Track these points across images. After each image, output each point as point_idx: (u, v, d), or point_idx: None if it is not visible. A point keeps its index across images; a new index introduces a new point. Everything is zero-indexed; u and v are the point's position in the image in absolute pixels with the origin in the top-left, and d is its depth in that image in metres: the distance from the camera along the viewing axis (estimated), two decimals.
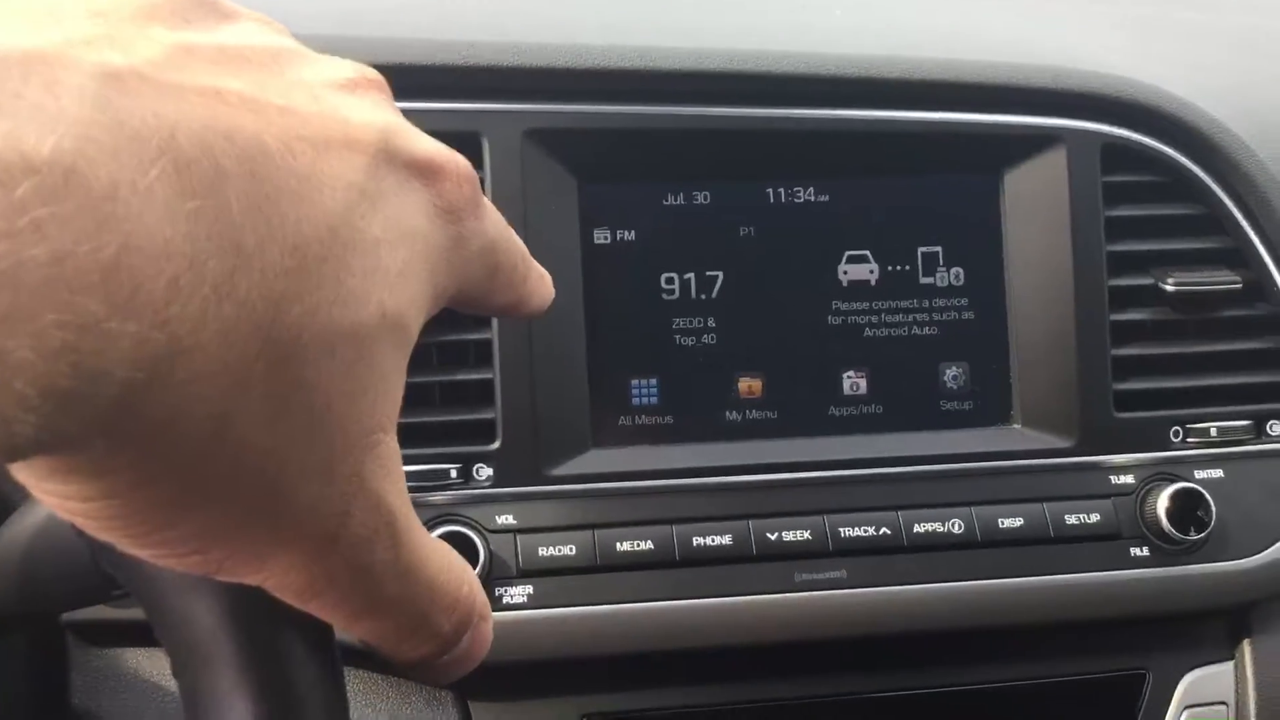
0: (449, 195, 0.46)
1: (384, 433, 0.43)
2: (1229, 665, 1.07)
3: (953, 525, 1.00)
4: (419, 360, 0.95)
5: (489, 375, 0.96)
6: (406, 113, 0.91)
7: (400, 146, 0.44)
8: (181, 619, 0.50)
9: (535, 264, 0.58)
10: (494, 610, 0.92)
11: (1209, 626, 1.07)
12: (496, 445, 0.96)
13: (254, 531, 0.40)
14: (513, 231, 0.54)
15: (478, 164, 0.96)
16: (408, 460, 0.93)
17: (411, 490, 0.92)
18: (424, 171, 0.45)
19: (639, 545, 0.96)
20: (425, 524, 0.91)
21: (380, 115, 0.44)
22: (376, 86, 0.47)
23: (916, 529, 0.99)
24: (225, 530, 0.39)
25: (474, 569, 0.89)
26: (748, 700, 1.00)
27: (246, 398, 0.37)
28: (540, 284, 0.58)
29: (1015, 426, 1.05)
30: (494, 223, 0.51)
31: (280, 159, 0.37)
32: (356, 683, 0.95)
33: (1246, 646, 1.07)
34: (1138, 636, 1.05)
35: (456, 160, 0.47)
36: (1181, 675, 1.06)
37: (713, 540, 0.97)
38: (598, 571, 0.95)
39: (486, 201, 0.51)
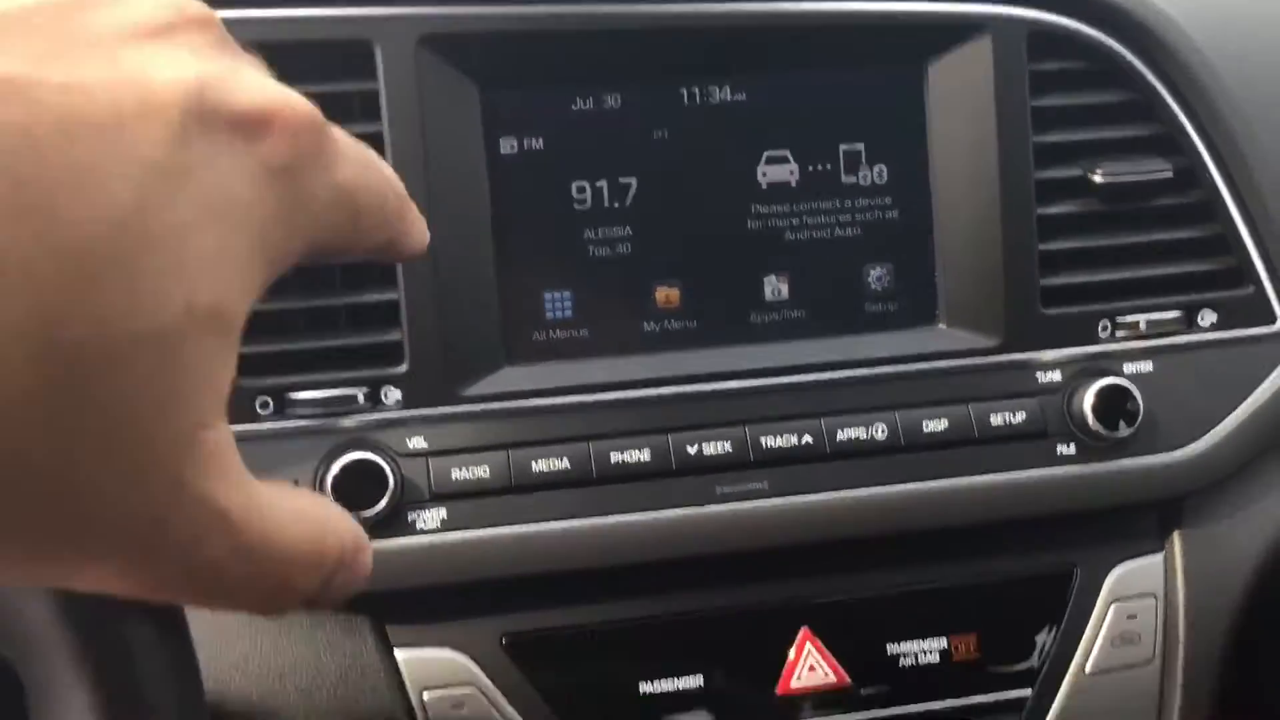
0: (280, 150, 0.41)
1: (207, 428, 0.40)
2: (1158, 557, 1.07)
3: (876, 430, 0.99)
4: (322, 282, 0.94)
5: (394, 296, 0.94)
6: (290, 21, 0.86)
7: (216, 102, 0.39)
8: (15, 613, 0.48)
9: (410, 203, 0.54)
10: (407, 535, 0.92)
11: (1138, 520, 1.08)
12: (404, 367, 0.94)
13: (60, 554, 0.37)
14: (379, 168, 0.50)
15: (370, 74, 0.92)
16: (313, 385, 0.93)
17: (318, 416, 0.91)
18: (247, 128, 0.40)
19: (555, 464, 0.95)
20: (332, 451, 0.91)
21: (193, 67, 0.39)
22: (197, 26, 0.41)
23: (840, 436, 0.98)
24: (28, 556, 0.37)
25: (383, 498, 0.89)
26: (671, 613, 1.00)
27: (30, 427, 0.33)
28: (416, 222, 0.55)
29: (940, 326, 1.04)
30: (351, 164, 0.46)
31: (55, 153, 0.33)
32: None
33: (1176, 538, 1.07)
34: (1065, 533, 1.05)
35: (291, 106, 0.42)
36: (1109, 569, 1.06)
37: (631, 456, 0.96)
38: (513, 492, 0.94)
39: (339, 141, 0.46)
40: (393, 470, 0.91)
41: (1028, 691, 1.04)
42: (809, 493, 0.98)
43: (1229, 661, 1.07)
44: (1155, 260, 1.06)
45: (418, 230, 0.54)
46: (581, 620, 0.99)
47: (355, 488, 0.90)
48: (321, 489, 0.91)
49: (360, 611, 0.96)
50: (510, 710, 0.96)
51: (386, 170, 0.50)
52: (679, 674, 0.99)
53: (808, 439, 0.98)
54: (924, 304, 1.04)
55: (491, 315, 0.97)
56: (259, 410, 0.93)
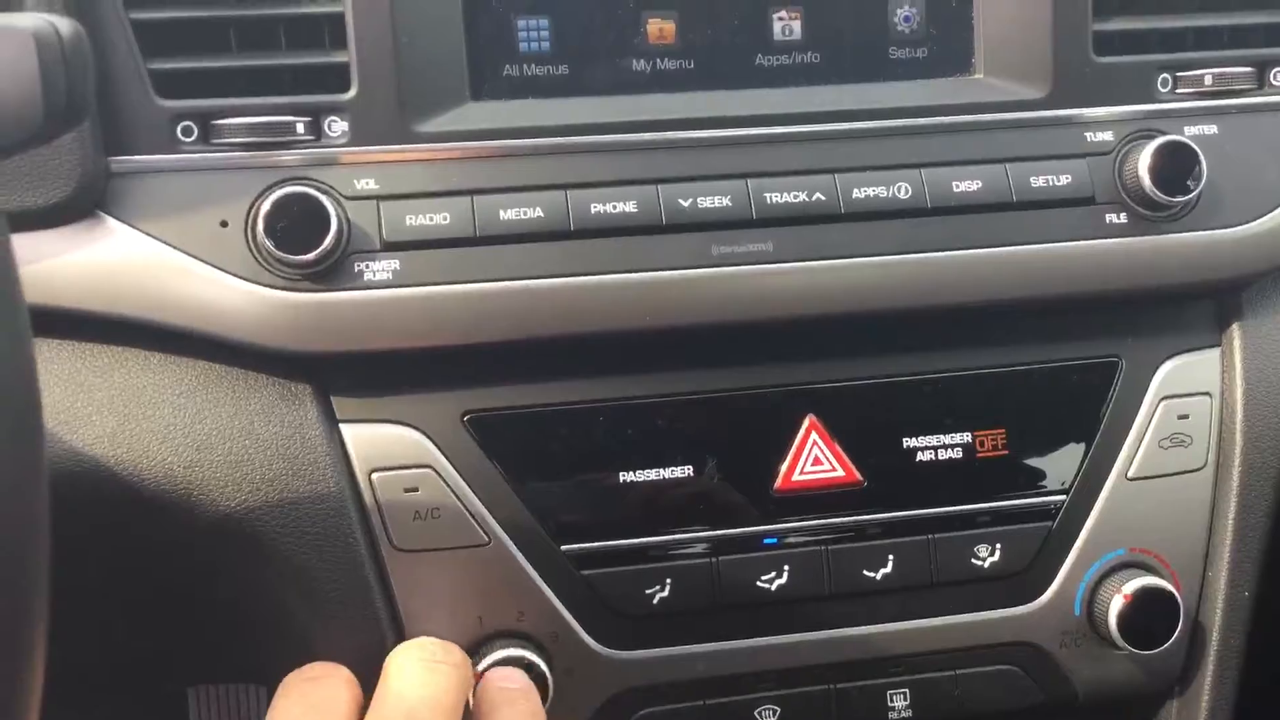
0: None
1: None
2: (1215, 353, 0.96)
3: (898, 189, 0.87)
4: None
5: (339, 8, 0.82)
6: None
7: None
8: None
9: None
10: (354, 289, 0.81)
11: (1192, 309, 0.97)
12: (352, 94, 0.83)
13: None
14: None
15: None
16: (244, 110, 0.81)
17: (250, 147, 0.80)
18: None
19: (526, 213, 0.83)
20: (267, 188, 0.80)
21: None
22: None
23: (856, 194, 0.87)
24: None
25: (324, 241, 0.78)
26: (659, 394, 0.89)
27: None
28: None
29: (977, 76, 0.92)
30: None
31: None
32: (195, 375, 0.84)
33: (1235, 331, 0.96)
34: (1110, 320, 0.95)
35: None
36: (1159, 363, 0.95)
37: (614, 207, 0.84)
38: (477, 244, 0.83)
39: None
40: (337, 212, 0.80)
41: (1062, 498, 0.94)
42: (819, 258, 0.87)
43: None
44: (1224, 6, 0.93)
45: None
46: (556, 398, 0.88)
47: (293, 228, 0.79)
48: (253, 232, 0.80)
49: (302, 377, 0.85)
50: (472, 497, 0.86)
51: None
52: (664, 463, 0.89)
53: (819, 196, 0.87)
54: (959, 49, 0.92)
55: (455, 41, 0.85)
56: (181, 138, 0.81)
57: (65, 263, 0.80)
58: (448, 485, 0.86)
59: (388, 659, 0.79)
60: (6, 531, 0.42)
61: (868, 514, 0.91)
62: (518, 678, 0.82)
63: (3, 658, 0.43)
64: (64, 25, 0.52)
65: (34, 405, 0.46)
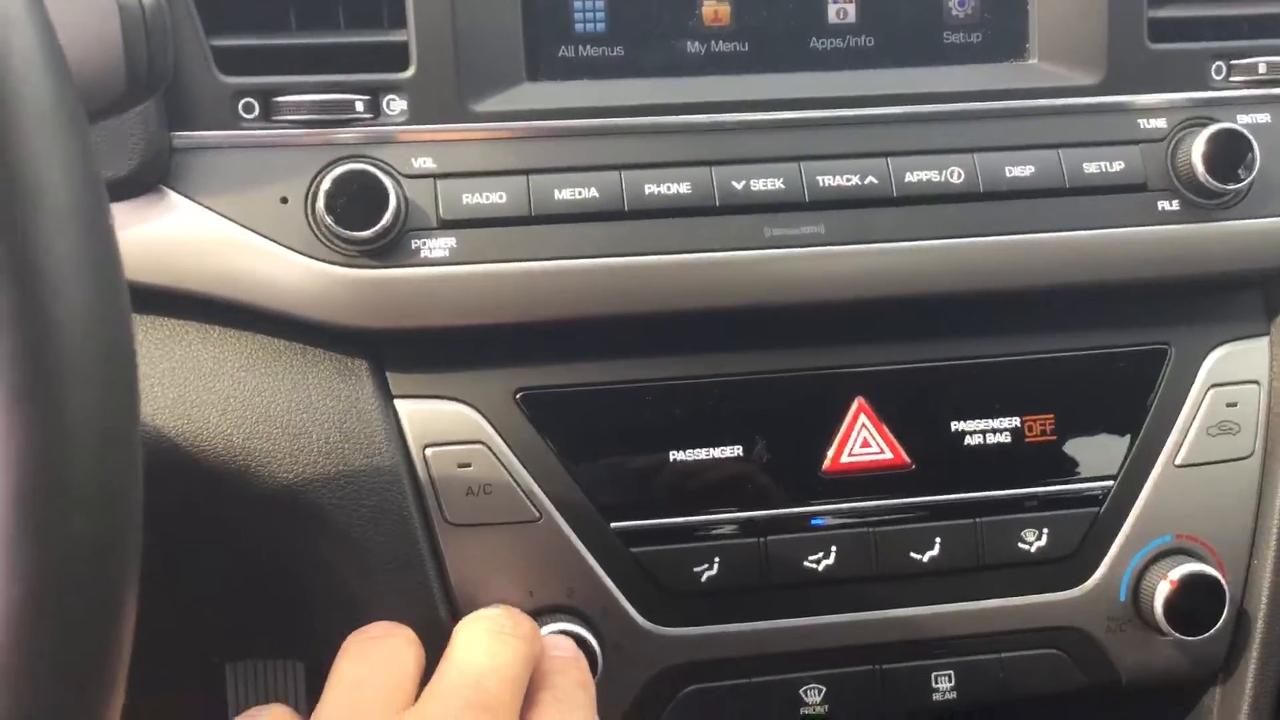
0: None
1: None
2: (1263, 341, 0.96)
3: (951, 174, 0.88)
4: None
5: None
6: None
7: None
8: None
9: None
10: (411, 265, 0.82)
11: (1242, 297, 0.97)
12: (410, 73, 0.84)
13: None
14: None
15: None
16: (305, 88, 0.82)
17: (310, 125, 0.81)
18: None
19: (581, 193, 0.84)
20: (326, 166, 0.81)
21: None
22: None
23: (909, 178, 0.87)
24: None
25: (382, 218, 0.79)
26: (709, 374, 0.89)
27: None
28: None
29: (1031, 61, 0.92)
30: None
31: None
32: (254, 349, 0.85)
33: None
34: (1159, 306, 0.95)
35: None
36: (1208, 351, 0.95)
37: (668, 188, 0.85)
38: (532, 223, 0.84)
39: None
40: (395, 190, 0.81)
41: (1109, 484, 0.94)
42: (871, 241, 0.87)
43: None
44: None
45: None
46: (608, 378, 0.89)
47: (352, 205, 0.80)
48: (313, 208, 0.81)
49: (358, 353, 0.86)
50: (524, 473, 0.87)
51: None
52: (714, 443, 0.90)
53: (872, 180, 0.87)
54: (1013, 34, 0.92)
55: (512, 21, 0.86)
56: (243, 114, 0.82)
57: (128, 236, 0.80)
58: (500, 461, 0.87)
59: (456, 628, 0.80)
60: (109, 506, 0.43)
61: (915, 496, 0.92)
62: (568, 646, 0.83)
63: (98, 626, 0.44)
64: None
65: (133, 378, 0.47)
